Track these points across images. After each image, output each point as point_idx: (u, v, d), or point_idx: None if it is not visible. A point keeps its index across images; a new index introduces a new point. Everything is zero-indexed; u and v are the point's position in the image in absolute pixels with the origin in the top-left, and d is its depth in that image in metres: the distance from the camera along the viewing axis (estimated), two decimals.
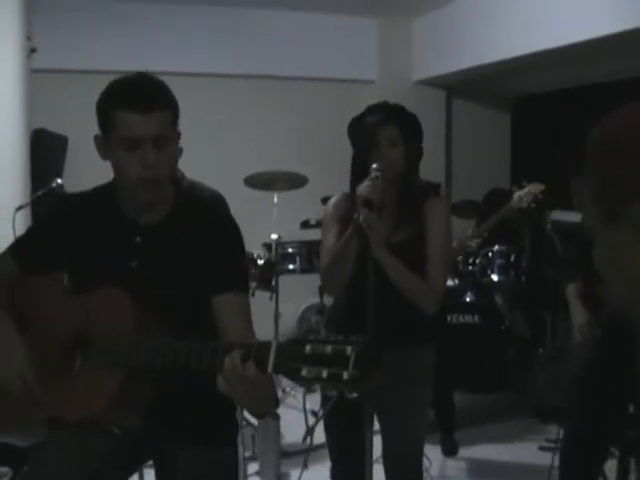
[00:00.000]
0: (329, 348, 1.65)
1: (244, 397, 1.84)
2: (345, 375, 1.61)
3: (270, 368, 1.73)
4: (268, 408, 2.12)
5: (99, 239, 2.30)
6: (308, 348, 1.67)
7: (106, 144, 2.22)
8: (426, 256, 2.89)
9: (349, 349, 1.63)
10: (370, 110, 2.94)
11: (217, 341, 1.92)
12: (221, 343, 1.89)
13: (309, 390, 1.67)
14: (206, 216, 2.36)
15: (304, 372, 1.66)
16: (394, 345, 2.56)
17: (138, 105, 2.13)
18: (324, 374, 1.63)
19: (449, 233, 2.98)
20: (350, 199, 2.92)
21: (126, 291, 2.12)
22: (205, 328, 2.14)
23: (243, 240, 2.37)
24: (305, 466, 3.54)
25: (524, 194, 4.68)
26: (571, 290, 3.33)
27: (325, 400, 2.99)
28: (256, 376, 1.75)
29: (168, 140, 2.21)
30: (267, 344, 1.75)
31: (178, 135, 2.28)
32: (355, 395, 1.65)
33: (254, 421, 4.52)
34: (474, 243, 5.05)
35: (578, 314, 3.24)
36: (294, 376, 1.68)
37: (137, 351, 2.02)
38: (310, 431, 3.22)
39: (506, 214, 4.91)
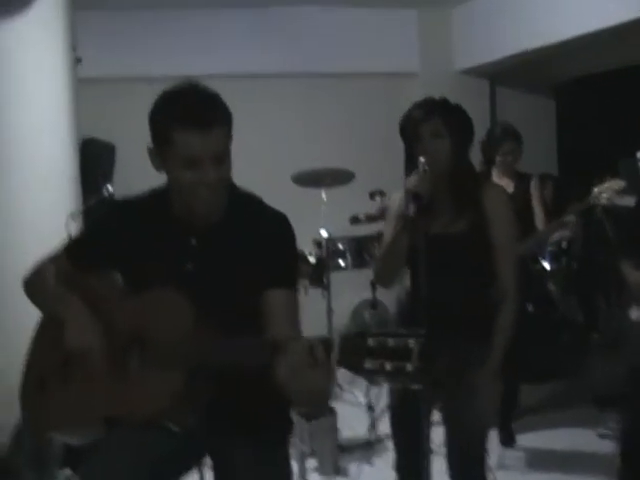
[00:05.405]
0: (392, 341, 1.69)
1: (303, 389, 1.81)
2: (409, 367, 1.65)
3: (335, 362, 1.76)
4: (324, 399, 2.14)
5: (153, 241, 2.29)
6: (371, 341, 1.70)
7: (160, 158, 2.18)
8: (492, 248, 2.89)
9: (412, 342, 1.67)
10: (415, 105, 2.98)
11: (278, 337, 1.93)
12: (282, 339, 1.89)
13: (372, 383, 1.71)
14: (262, 216, 2.33)
15: (368, 365, 1.69)
16: (459, 340, 2.59)
17: (197, 123, 2.07)
18: (388, 367, 1.67)
19: (513, 221, 2.97)
20: None
21: (181, 293, 2.13)
22: (253, 328, 2.13)
23: (296, 240, 2.36)
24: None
25: (604, 189, 4.49)
26: (626, 264, 3.36)
27: (392, 394, 3.00)
28: (323, 360, 1.77)
29: (227, 154, 2.18)
30: (331, 338, 1.78)
31: (230, 139, 2.24)
32: (419, 387, 1.68)
33: None
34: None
35: (636, 277, 3.28)
36: (358, 369, 1.71)
37: (196, 351, 2.05)
38: (372, 425, 3.23)
39: (582, 208, 4.80)
